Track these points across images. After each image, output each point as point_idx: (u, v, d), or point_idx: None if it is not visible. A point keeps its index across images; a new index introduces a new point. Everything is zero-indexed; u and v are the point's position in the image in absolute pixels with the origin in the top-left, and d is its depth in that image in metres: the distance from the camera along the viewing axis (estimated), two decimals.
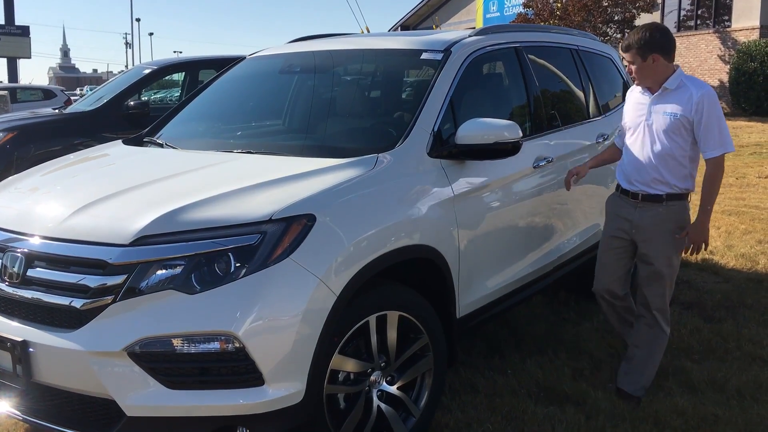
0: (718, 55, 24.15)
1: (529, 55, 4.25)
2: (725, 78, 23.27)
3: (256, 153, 3.33)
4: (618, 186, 3.76)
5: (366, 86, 3.75)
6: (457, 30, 4.08)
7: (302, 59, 4.15)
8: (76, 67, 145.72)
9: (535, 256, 4.05)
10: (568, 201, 4.36)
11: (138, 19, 74.33)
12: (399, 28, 34.85)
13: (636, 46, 3.47)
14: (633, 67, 3.52)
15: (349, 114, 3.75)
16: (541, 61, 4.51)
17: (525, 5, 24.85)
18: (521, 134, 3.30)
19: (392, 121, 3.46)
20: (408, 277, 3.16)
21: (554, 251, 4.24)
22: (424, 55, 3.70)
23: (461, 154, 3.32)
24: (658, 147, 3.51)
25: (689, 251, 3.55)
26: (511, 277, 3.80)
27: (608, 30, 23.89)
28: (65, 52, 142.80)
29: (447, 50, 3.68)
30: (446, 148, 3.31)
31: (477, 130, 3.26)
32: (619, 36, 24.28)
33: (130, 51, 54.70)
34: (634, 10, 22.97)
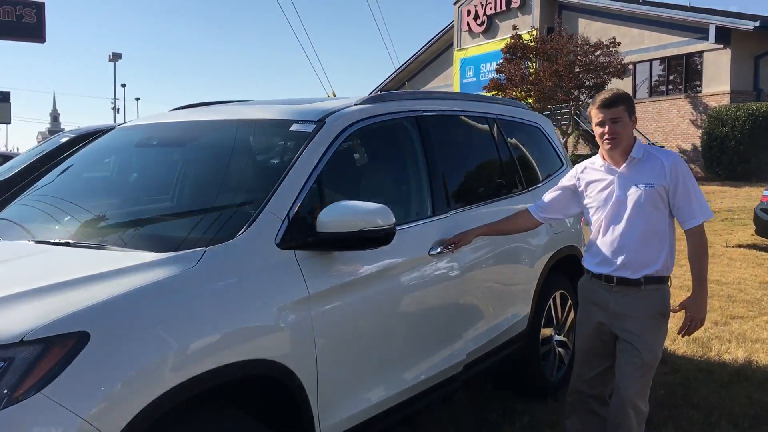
0: (690, 120, 24.10)
1: (431, 126, 3.75)
2: (698, 142, 23.15)
3: (74, 244, 2.75)
4: (587, 270, 3.38)
5: (221, 164, 3.22)
6: (350, 98, 3.56)
7: (163, 131, 3.62)
8: (66, 131, 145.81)
9: (433, 360, 3.41)
10: (476, 290, 3.78)
11: (123, 85, 75.38)
12: (395, 82, 34.88)
13: (625, 102, 3.16)
14: (615, 127, 3.12)
15: (192, 196, 3.20)
16: (449, 133, 4.02)
17: (497, 71, 24.87)
18: (393, 220, 2.77)
19: (239, 206, 2.90)
20: (248, 398, 2.58)
21: (459, 351, 3.61)
22: (294, 127, 3.17)
23: (323, 244, 2.77)
24: (637, 223, 3.15)
25: (686, 331, 3.18)
26: (397, 387, 3.17)
27: (580, 95, 23.85)
28: (55, 117, 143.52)
29: (320, 121, 3.16)
30: (305, 237, 2.76)
31: (340, 215, 2.72)
32: (590, 101, 24.29)
33: (118, 115, 54.99)
34: (605, 76, 22.98)
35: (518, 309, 4.25)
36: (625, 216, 3.18)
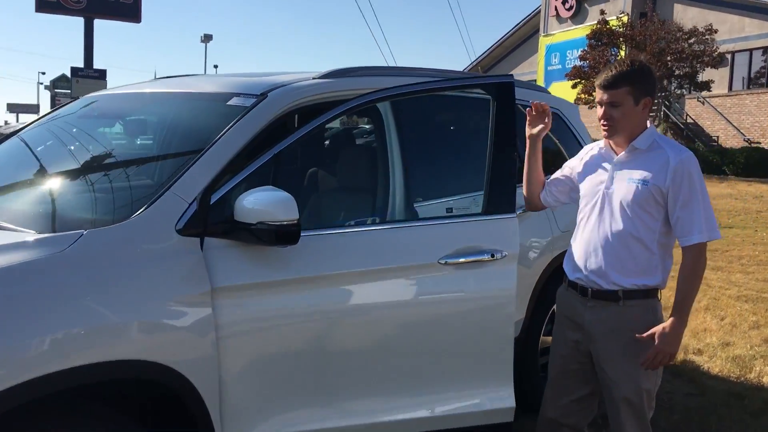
0: None
1: (410, 110, 3.33)
2: None
3: None
4: (565, 276, 2.88)
5: (145, 139, 2.94)
6: (313, 72, 3.19)
7: (109, 102, 3.36)
8: None
9: (392, 402, 2.84)
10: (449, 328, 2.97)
11: (216, 66, 77.00)
12: (475, 69, 34.13)
13: (632, 83, 2.58)
14: (611, 112, 2.61)
15: (102, 173, 2.91)
16: (433, 118, 3.60)
17: (581, 58, 23.76)
18: (296, 215, 2.36)
19: (147, 186, 2.61)
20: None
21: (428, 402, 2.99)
22: (232, 101, 2.83)
23: (236, 234, 2.44)
24: (618, 224, 2.63)
25: (650, 363, 2.59)
26: (345, 420, 2.72)
27: (669, 85, 22.49)
28: None
29: (263, 95, 2.82)
30: (217, 224, 2.44)
31: (243, 203, 2.39)
32: (680, 92, 22.84)
33: None
34: (698, 66, 21.53)
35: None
36: (607, 213, 2.68)
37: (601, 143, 2.82)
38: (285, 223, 2.34)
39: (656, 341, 2.57)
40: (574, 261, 2.78)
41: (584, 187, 2.81)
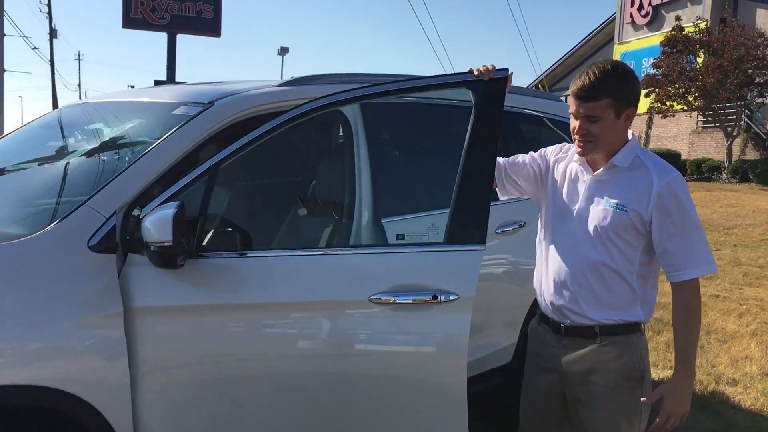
0: None
1: (381, 120, 3.08)
2: None
3: None
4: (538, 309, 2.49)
5: (83, 151, 2.82)
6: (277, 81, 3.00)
7: (70, 112, 3.26)
8: None
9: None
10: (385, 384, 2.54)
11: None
12: (541, 80, 33.37)
13: (613, 94, 2.14)
14: (589, 127, 2.18)
15: (33, 185, 2.79)
16: (410, 129, 3.34)
17: (654, 65, 22.74)
18: (169, 236, 2.10)
19: (67, 199, 2.47)
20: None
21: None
22: (178, 110, 2.68)
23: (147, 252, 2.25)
24: (591, 253, 2.24)
25: (660, 428, 2.24)
26: None
27: (748, 93, 21.22)
28: None
29: (210, 103, 2.67)
30: (137, 242, 2.25)
31: (147, 220, 2.18)
32: (760, 100, 21.52)
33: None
34: None
35: (497, 338, 3.50)
36: (580, 238, 2.28)
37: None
38: (165, 244, 2.12)
39: (665, 404, 2.22)
40: (546, 290, 2.38)
41: (552, 202, 2.39)
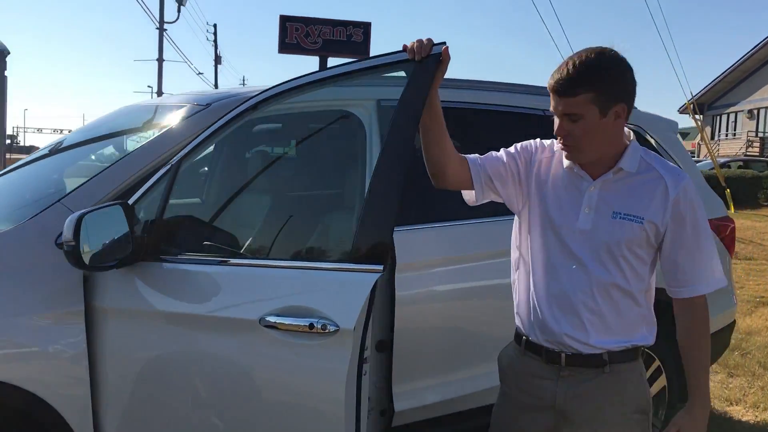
0: None
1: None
2: None
3: None
4: (518, 335, 2.10)
5: (91, 150, 2.84)
6: None
7: (116, 115, 3.27)
8: None
9: None
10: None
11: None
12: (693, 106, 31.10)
13: (595, 86, 1.80)
14: (572, 127, 1.85)
15: (37, 179, 2.86)
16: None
17: None
18: (69, 238, 2.00)
19: (50, 196, 2.48)
20: None
21: None
22: (180, 111, 2.67)
23: None
24: (601, 272, 1.91)
25: None
26: None
27: None
28: None
29: (207, 105, 2.61)
30: None
31: None
32: None
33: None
34: None
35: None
36: (584, 257, 1.92)
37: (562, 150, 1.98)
38: (71, 243, 2.03)
39: None
40: (535, 315, 2.00)
41: (540, 211, 2.00)
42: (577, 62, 1.81)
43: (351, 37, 35.04)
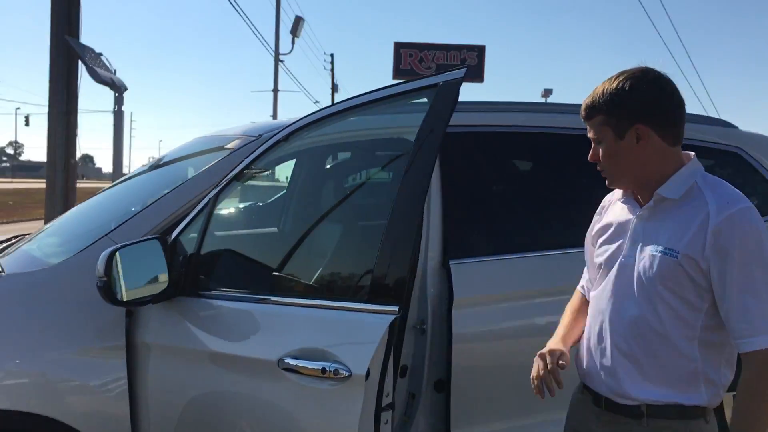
0: None
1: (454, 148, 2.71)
2: None
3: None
4: None
5: (151, 183, 2.86)
6: None
7: (192, 144, 3.34)
8: None
9: None
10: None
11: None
12: None
13: (603, 110, 1.74)
14: (598, 150, 1.79)
15: (105, 213, 2.88)
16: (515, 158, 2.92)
17: None
18: (101, 273, 2.01)
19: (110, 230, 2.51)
20: None
21: None
22: (232, 143, 2.64)
23: None
24: (632, 309, 1.74)
25: None
26: None
27: None
28: None
29: (259, 137, 2.58)
30: None
31: None
32: None
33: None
34: None
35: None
36: (622, 292, 1.77)
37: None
38: (103, 279, 2.04)
39: None
40: (583, 355, 1.89)
41: (599, 252, 1.89)
42: (603, 85, 1.76)
43: (465, 60, 34.97)
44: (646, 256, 1.72)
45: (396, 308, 1.88)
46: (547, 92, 49.82)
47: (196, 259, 2.19)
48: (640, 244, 1.75)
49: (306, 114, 2.33)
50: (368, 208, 2.76)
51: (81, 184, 12.92)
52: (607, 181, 1.82)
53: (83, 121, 8.81)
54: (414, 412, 2.48)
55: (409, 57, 31.82)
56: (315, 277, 2.35)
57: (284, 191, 3.24)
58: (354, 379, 1.88)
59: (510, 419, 2.64)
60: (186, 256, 2.18)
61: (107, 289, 2.03)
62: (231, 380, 2.11)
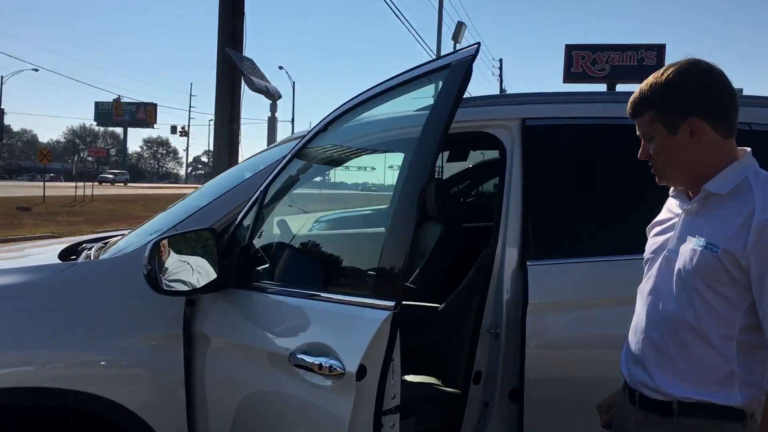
0: None
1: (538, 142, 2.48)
2: None
3: None
4: None
5: (228, 181, 2.83)
6: None
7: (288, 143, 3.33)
8: None
9: None
10: None
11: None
12: None
13: (653, 105, 1.69)
14: (647, 147, 1.75)
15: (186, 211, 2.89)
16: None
17: None
18: (146, 261, 2.04)
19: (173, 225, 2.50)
20: None
21: None
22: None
23: None
24: (671, 305, 1.70)
25: None
26: None
27: None
28: None
29: None
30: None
31: None
32: None
33: None
34: None
35: None
36: (663, 288, 1.73)
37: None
38: (147, 267, 2.05)
39: None
40: (624, 350, 1.86)
41: (648, 246, 1.86)
42: (649, 80, 1.72)
43: (642, 61, 32.71)
44: (688, 250, 1.68)
45: (392, 303, 1.75)
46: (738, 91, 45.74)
47: (248, 251, 2.14)
48: (685, 240, 1.71)
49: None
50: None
51: None
52: (656, 179, 1.76)
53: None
54: (487, 421, 2.27)
55: (581, 59, 30.51)
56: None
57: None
58: (345, 380, 1.79)
59: None
60: (241, 248, 2.14)
61: (150, 277, 2.04)
62: (271, 376, 2.05)
